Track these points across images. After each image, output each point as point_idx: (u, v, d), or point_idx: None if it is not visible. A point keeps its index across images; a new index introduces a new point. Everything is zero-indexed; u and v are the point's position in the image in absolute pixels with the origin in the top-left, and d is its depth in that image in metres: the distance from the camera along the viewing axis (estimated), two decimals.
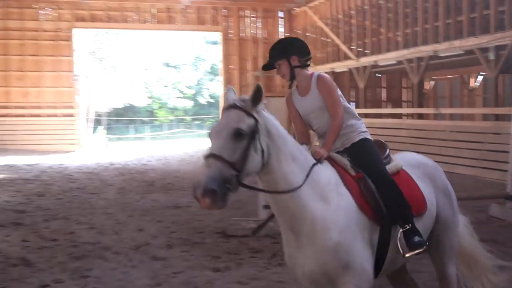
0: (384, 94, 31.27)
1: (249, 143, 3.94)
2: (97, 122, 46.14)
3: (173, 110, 54.67)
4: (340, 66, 26.04)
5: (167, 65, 50.82)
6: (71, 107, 28.86)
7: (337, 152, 4.79)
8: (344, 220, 4.26)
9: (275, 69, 4.93)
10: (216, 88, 44.79)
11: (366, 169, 4.61)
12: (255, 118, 4.03)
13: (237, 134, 3.90)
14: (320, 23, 27.50)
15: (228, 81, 30.61)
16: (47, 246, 8.65)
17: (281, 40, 5.06)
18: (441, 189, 5.10)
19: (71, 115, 28.69)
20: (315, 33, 28.84)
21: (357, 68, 24.54)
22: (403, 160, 5.05)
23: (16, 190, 14.45)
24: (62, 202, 12.81)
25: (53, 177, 17.35)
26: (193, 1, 28.82)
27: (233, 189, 3.84)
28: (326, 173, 4.41)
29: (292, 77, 4.90)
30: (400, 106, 29.93)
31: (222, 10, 30.66)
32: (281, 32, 31.64)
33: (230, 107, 4.09)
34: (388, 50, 22.21)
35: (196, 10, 30.25)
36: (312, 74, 4.90)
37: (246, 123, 3.98)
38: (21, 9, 28.35)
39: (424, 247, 4.54)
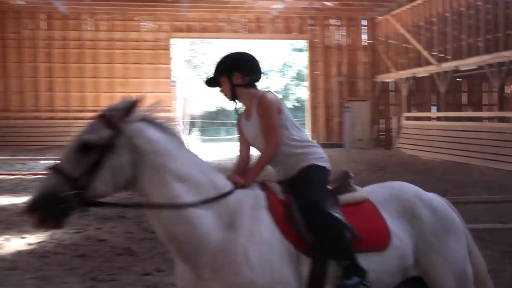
0: (464, 98, 30.48)
1: (99, 158, 3.22)
2: (192, 124, 46.97)
3: None
4: (422, 72, 25.51)
5: None
6: (169, 111, 29.43)
7: (279, 182, 3.96)
8: (259, 251, 3.45)
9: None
10: (302, 92, 44.75)
11: (300, 196, 3.77)
12: (118, 131, 3.31)
13: (83, 147, 3.23)
14: (402, 30, 27.02)
15: (313, 87, 30.61)
16: (148, 238, 8.83)
17: (227, 55, 4.16)
18: (429, 228, 4.02)
19: (168, 118, 29.22)
20: (397, 40, 28.37)
21: (438, 73, 23.98)
22: (377, 192, 4.15)
23: None
24: None
25: None
26: (281, 11, 28.89)
27: (73, 208, 3.19)
28: (242, 195, 3.62)
29: (233, 97, 4.04)
30: (481, 110, 29.08)
31: (308, 19, 30.65)
32: (365, 39, 31.33)
33: (98, 116, 3.39)
34: (469, 55, 21.57)
35: (284, 20, 30.36)
36: (255, 94, 4.02)
37: (98, 135, 3.27)
38: (124, 22, 29.22)
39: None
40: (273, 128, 3.87)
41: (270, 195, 3.73)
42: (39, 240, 8.50)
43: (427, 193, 4.26)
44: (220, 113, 52.75)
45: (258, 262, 3.43)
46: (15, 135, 28.40)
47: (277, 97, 4.06)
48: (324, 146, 29.48)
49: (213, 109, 50.35)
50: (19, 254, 7.73)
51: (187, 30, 30.01)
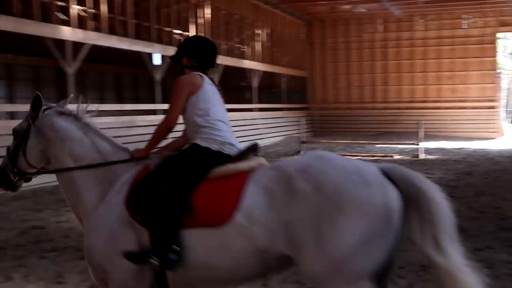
0: None
1: (20, 141, 3.92)
2: None
3: None
4: None
5: None
6: (493, 101, 27.74)
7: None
8: (104, 221, 3.58)
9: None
10: None
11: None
12: (31, 122, 3.93)
13: (13, 133, 4.00)
14: None
15: None
16: (478, 217, 8.45)
17: (186, 38, 4.24)
18: (307, 204, 3.21)
19: (492, 107, 27.59)
20: None
21: None
22: (277, 164, 3.63)
23: (448, 169, 14.46)
24: (487, 181, 12.34)
25: (478, 160, 16.89)
26: None
27: (15, 177, 3.93)
28: (128, 172, 3.74)
29: None
30: None
31: None
32: None
33: None
34: None
35: None
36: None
37: (20, 125, 3.99)
38: (452, 20, 28.29)
39: (147, 260, 3.41)
40: (172, 106, 3.83)
41: (143, 170, 3.70)
42: None
43: (326, 163, 3.37)
44: None
45: (102, 229, 3.55)
46: (355, 123, 29.69)
47: (195, 80, 3.86)
48: None
49: None
50: None
51: None
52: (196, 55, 3.96)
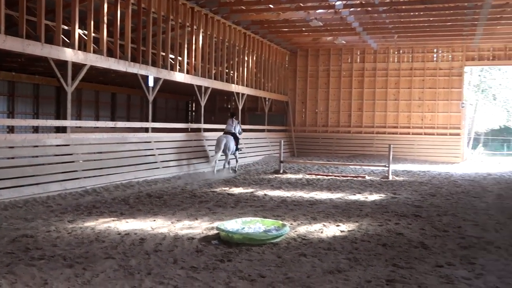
0: None
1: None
2: (476, 140, 44.08)
3: None
4: None
5: None
6: (458, 128, 27.95)
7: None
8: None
9: None
10: None
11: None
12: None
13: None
14: None
15: None
16: (440, 235, 8.41)
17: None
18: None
19: (457, 134, 27.81)
20: None
21: None
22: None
23: (413, 190, 14.45)
24: (450, 202, 12.32)
25: (441, 182, 16.91)
26: None
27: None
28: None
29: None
30: None
31: None
32: None
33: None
34: None
35: None
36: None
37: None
38: (423, 54, 28.59)
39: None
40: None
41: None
42: (350, 229, 8.68)
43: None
44: (503, 130, 48.60)
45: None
46: (331, 145, 29.76)
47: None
48: None
49: (496, 127, 46.72)
50: (334, 238, 7.98)
51: (479, 58, 28.04)
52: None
